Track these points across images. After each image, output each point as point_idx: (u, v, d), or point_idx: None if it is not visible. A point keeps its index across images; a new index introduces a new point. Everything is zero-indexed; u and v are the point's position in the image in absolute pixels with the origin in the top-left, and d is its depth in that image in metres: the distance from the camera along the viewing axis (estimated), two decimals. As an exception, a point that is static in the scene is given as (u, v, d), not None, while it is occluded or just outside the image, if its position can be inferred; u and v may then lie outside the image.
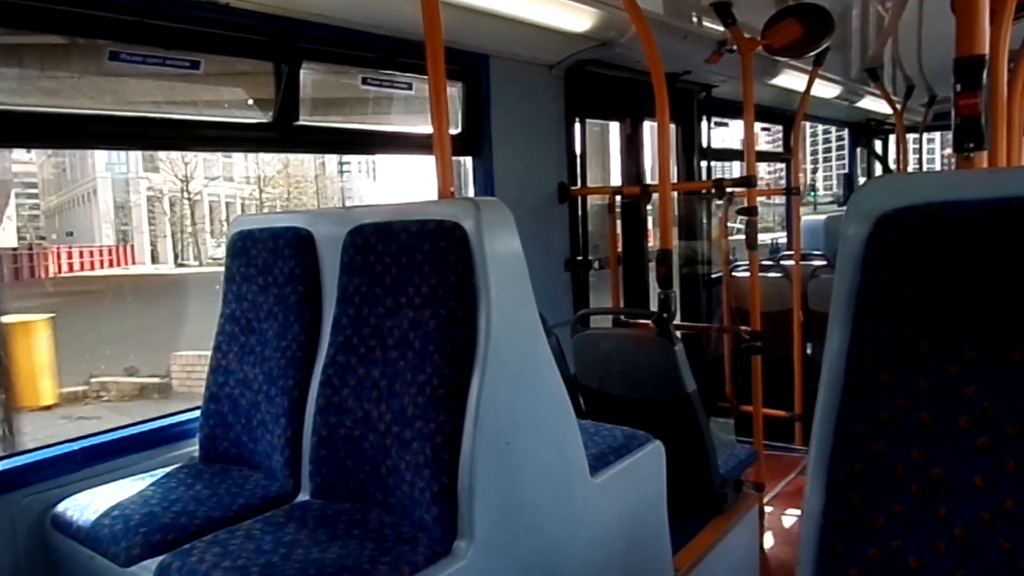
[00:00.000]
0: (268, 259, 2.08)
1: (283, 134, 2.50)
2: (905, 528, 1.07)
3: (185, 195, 25.88)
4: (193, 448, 2.20)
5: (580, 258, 3.63)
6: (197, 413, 2.20)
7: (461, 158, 3.17)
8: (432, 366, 1.64)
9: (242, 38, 2.31)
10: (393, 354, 1.74)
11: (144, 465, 2.10)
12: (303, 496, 1.91)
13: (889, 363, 1.10)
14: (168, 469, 2.07)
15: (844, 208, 1.23)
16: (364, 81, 2.68)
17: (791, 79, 4.32)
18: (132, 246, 25.53)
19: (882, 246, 1.13)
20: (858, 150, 6.95)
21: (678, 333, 2.67)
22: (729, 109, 4.60)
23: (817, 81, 4.23)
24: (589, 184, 3.72)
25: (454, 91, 3.09)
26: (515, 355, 1.70)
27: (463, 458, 1.57)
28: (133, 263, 24.76)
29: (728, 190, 3.63)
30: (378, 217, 1.82)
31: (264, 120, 2.53)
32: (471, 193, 3.22)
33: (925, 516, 1.06)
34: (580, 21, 2.88)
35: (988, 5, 1.47)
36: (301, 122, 2.52)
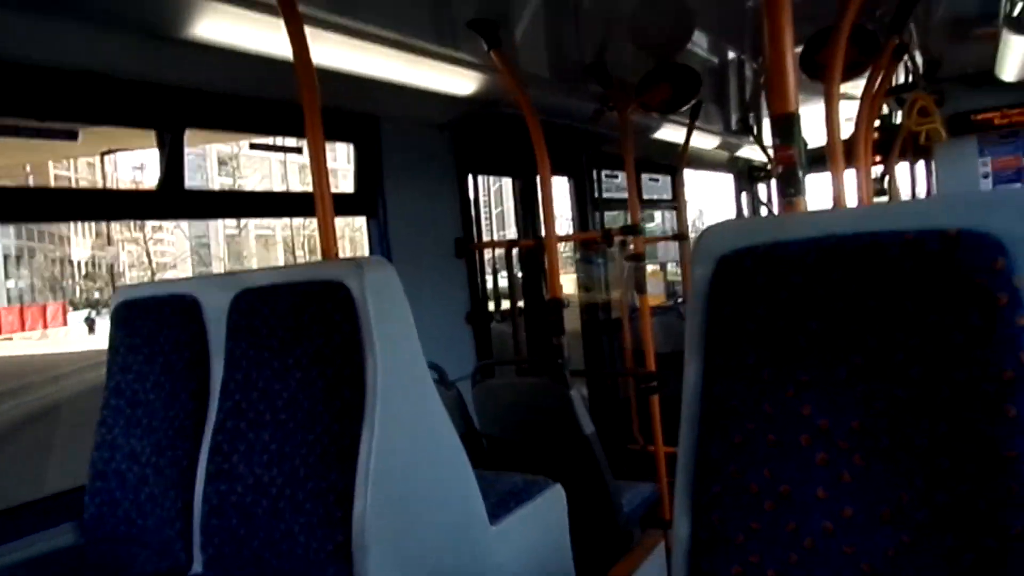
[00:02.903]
0: (153, 328, 2.04)
1: (170, 200, 2.47)
2: (762, 544, 1.15)
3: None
4: (76, 531, 2.09)
5: (481, 311, 3.69)
6: (80, 493, 2.10)
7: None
8: (321, 425, 1.64)
9: (122, 106, 2.29)
10: (283, 416, 1.73)
11: (22, 553, 1.98)
12: (196, 570, 1.84)
13: (738, 392, 1.20)
14: (49, 555, 1.96)
15: None
16: (252, 146, 2.69)
17: (672, 132, 4.59)
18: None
19: (724, 285, 1.24)
20: (743, 195, 7.39)
21: (578, 379, 2.75)
22: (619, 161, 4.83)
23: (698, 133, 4.50)
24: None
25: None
26: (405, 409, 1.72)
27: (356, 515, 1.57)
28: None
29: (618, 239, 3.80)
30: (264, 280, 1.83)
31: (150, 188, 2.50)
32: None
33: (778, 531, 1.14)
34: (465, 84, 3.00)
35: (791, 67, 1.64)
36: (187, 187, 2.50)
